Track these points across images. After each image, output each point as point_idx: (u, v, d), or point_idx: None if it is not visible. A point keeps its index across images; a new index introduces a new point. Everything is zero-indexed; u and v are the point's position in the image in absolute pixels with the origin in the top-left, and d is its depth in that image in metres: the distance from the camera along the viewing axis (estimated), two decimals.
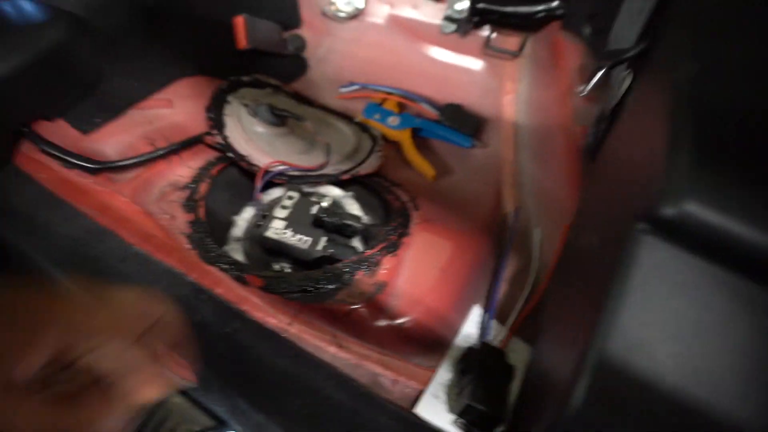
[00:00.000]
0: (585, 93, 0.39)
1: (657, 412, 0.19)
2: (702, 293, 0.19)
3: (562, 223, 0.43)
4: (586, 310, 0.24)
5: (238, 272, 0.34)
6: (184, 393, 0.49)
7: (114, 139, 0.44)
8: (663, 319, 0.20)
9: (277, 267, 0.41)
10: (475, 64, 0.60)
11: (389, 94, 0.61)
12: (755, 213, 0.18)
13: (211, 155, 0.48)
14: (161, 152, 0.43)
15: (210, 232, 0.38)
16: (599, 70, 0.38)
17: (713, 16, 0.29)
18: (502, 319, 0.39)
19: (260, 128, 0.52)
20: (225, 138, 0.48)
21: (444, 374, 0.34)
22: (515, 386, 0.33)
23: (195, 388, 0.36)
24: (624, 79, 0.37)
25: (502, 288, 0.40)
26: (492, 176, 0.51)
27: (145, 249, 0.35)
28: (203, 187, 0.43)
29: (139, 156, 0.41)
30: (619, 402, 0.20)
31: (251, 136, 0.50)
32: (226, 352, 0.31)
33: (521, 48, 0.56)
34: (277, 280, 0.34)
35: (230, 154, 0.46)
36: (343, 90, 0.64)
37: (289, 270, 0.39)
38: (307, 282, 0.35)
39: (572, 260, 0.35)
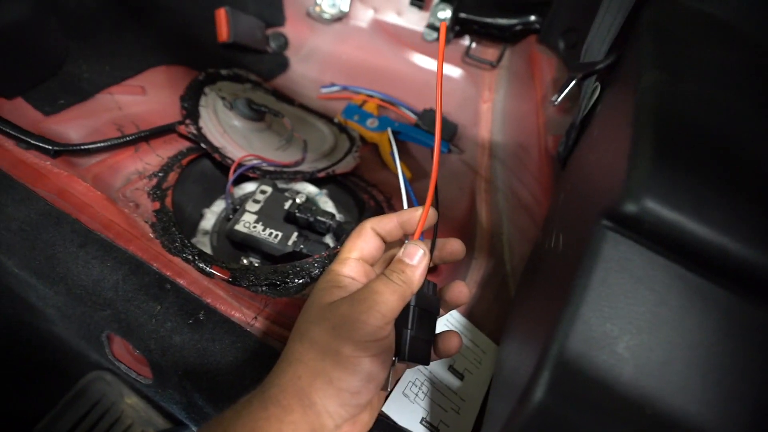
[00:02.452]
0: (557, 102, 0.40)
1: (614, 404, 0.19)
2: (659, 288, 0.20)
3: (533, 229, 0.44)
4: (551, 307, 0.24)
5: (204, 263, 0.33)
6: (138, 391, 0.47)
7: (78, 123, 0.42)
8: (623, 314, 0.20)
9: (245, 261, 0.40)
10: (455, 72, 0.61)
11: (370, 96, 0.61)
12: (705, 211, 0.19)
13: (182, 146, 0.46)
14: (129, 138, 0.41)
15: (176, 222, 0.37)
16: (571, 80, 0.39)
17: (677, 30, 0.30)
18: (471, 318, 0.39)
19: (237, 122, 0.51)
20: (199, 129, 0.47)
21: (414, 372, 0.34)
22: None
23: (150, 384, 0.34)
24: (593, 91, 0.38)
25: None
26: (467, 181, 0.52)
27: (106, 235, 0.34)
28: (172, 177, 0.42)
29: (105, 140, 0.40)
30: (579, 395, 0.20)
31: (227, 129, 0.49)
32: (186, 345, 0.30)
33: (500, 59, 0.58)
34: (244, 273, 0.33)
35: (203, 145, 0.45)
36: (324, 90, 0.64)
37: (257, 264, 0.38)
38: (275, 276, 0.34)
39: (539, 262, 0.35)
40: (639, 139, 0.22)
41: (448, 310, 0.31)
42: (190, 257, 0.34)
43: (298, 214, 0.41)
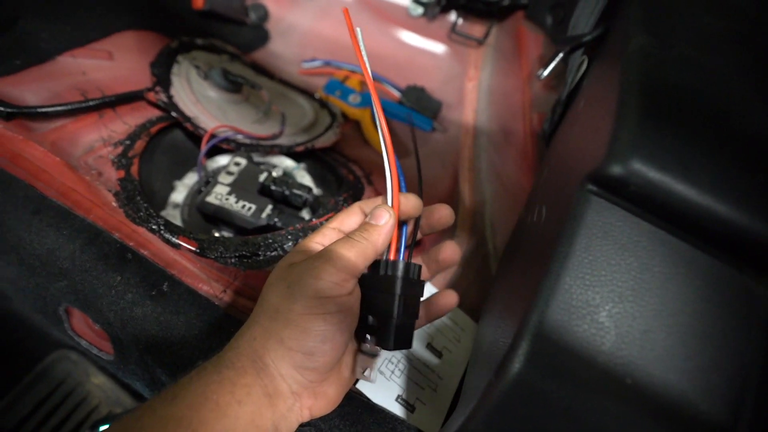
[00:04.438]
0: (543, 76, 0.39)
1: (594, 374, 0.18)
2: (643, 254, 0.19)
3: (516, 208, 0.43)
4: (532, 278, 0.23)
5: (170, 234, 0.31)
6: (104, 370, 0.45)
7: (37, 86, 0.39)
8: (606, 281, 0.19)
9: (217, 235, 0.38)
10: (440, 48, 0.60)
11: (352, 72, 0.59)
12: (693, 172, 0.18)
13: (152, 114, 0.44)
14: (92, 103, 0.39)
15: (142, 191, 0.35)
16: (558, 54, 0.38)
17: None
18: None
19: (212, 92, 0.49)
20: (170, 97, 0.44)
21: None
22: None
23: (112, 360, 0.32)
24: (580, 64, 0.37)
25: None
26: (450, 159, 0.50)
27: (64, 203, 0.31)
28: (139, 145, 0.39)
29: (65, 104, 0.37)
30: (558, 365, 0.19)
31: (200, 99, 0.47)
32: (148, 318, 0.28)
33: (486, 36, 0.56)
34: (213, 245, 0.31)
35: (174, 114, 0.43)
36: (306, 65, 0.61)
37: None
38: (246, 248, 0.32)
39: (521, 238, 0.34)
40: (625, 101, 0.21)
41: (440, 270, 0.30)
42: (155, 227, 0.32)
43: (273, 187, 0.39)
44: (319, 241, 0.25)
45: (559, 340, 0.19)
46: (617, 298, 0.19)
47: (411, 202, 0.27)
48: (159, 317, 0.27)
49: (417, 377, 0.33)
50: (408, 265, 0.25)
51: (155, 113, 0.44)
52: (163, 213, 0.39)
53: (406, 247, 0.27)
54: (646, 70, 0.22)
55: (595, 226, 0.20)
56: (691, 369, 0.18)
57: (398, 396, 0.31)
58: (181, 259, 0.31)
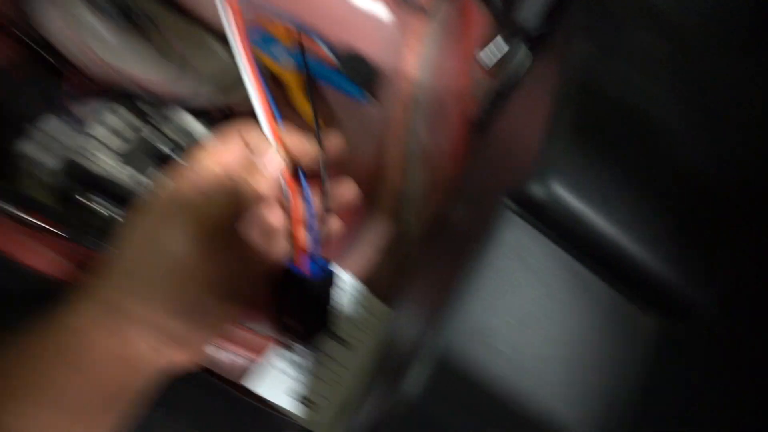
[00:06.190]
0: (480, 57, 0.37)
1: (484, 401, 0.18)
2: (551, 280, 0.18)
3: (442, 194, 0.42)
4: (441, 290, 0.22)
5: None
6: None
7: None
8: (509, 305, 0.18)
9: (99, 208, 0.32)
10: (384, 14, 0.54)
11: (283, 22, 0.52)
12: (612, 206, 0.18)
13: None
14: None
15: None
16: (497, 36, 0.36)
17: (611, 8, 0.28)
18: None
19: (92, 19, 0.39)
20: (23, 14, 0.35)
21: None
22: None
23: None
24: (524, 59, 0.36)
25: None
26: (379, 135, 0.47)
27: None
28: None
29: None
30: (454, 392, 0.18)
31: (71, 24, 0.37)
32: None
33: (433, 8, 0.53)
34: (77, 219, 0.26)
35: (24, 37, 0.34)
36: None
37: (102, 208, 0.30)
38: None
39: (441, 232, 0.33)
40: (558, 118, 0.20)
41: (337, 209, 0.28)
42: None
43: (162, 147, 0.33)
44: (195, 183, 0.24)
45: (455, 363, 0.18)
46: (517, 323, 0.18)
47: (295, 141, 0.26)
48: None
49: (318, 370, 0.31)
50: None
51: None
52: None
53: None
54: (583, 81, 0.21)
55: (507, 245, 0.19)
56: (574, 397, 0.18)
57: (294, 391, 0.29)
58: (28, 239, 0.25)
